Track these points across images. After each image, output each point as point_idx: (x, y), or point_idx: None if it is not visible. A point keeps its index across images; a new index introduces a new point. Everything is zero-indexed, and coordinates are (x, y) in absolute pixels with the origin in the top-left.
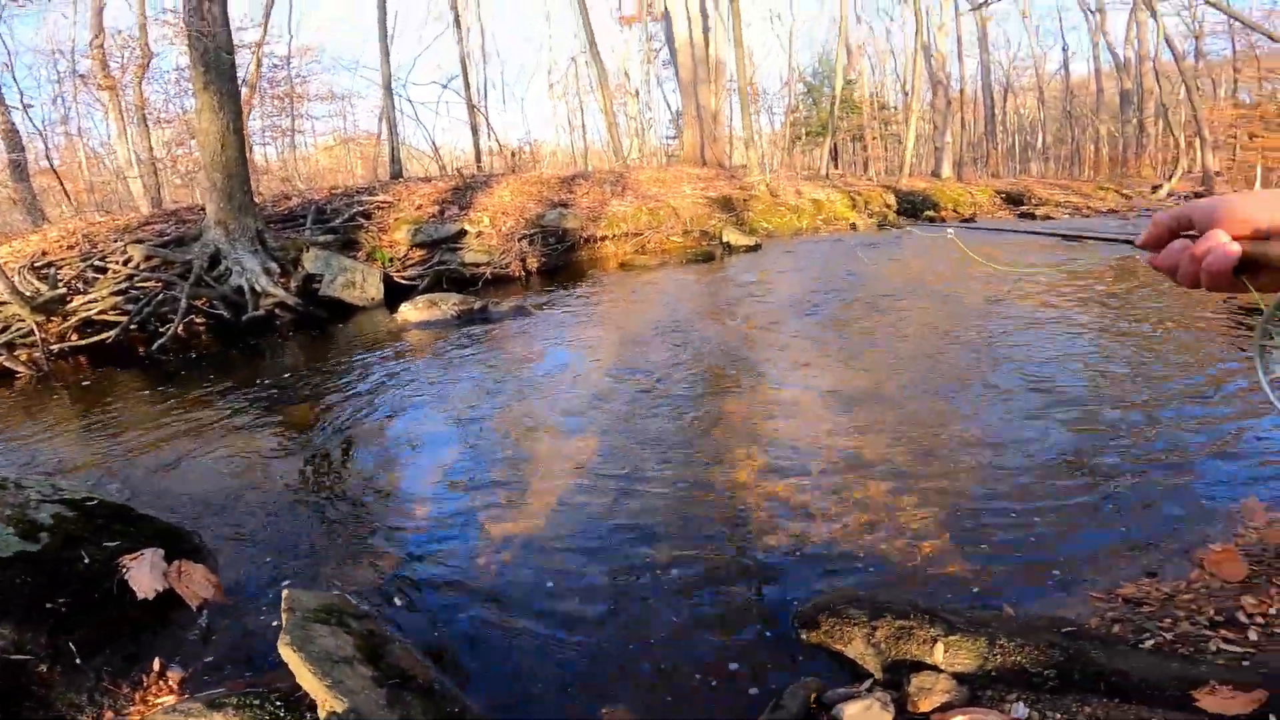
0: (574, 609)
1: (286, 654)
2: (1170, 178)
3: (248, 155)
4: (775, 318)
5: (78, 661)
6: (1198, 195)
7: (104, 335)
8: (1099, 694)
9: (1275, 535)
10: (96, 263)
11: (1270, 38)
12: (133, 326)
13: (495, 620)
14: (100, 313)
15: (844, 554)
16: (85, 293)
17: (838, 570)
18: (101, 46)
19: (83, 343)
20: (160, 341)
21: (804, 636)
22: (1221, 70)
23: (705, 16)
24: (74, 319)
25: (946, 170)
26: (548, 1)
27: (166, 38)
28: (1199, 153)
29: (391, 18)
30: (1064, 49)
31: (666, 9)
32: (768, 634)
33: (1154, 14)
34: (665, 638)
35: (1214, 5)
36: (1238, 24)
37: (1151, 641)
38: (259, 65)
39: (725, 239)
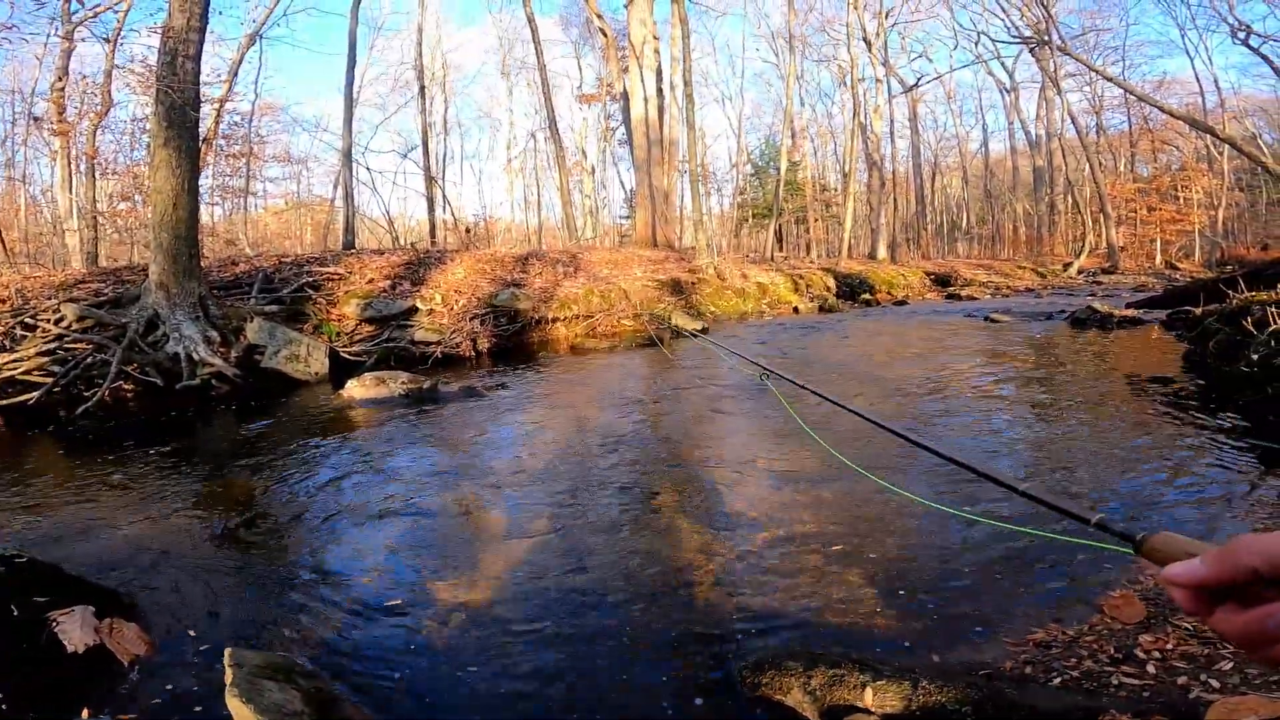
0: (524, 671)
1: (234, 706)
2: (1079, 255)
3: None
4: (719, 402)
5: (3, 708)
6: (1105, 271)
7: (26, 396)
8: None
9: None
10: (27, 319)
11: (1161, 109)
12: (56, 389)
13: (445, 683)
14: (24, 372)
15: (783, 614)
16: (11, 350)
17: (777, 628)
18: (63, 90)
19: (1, 402)
20: (85, 407)
21: (749, 690)
22: (1121, 143)
23: (661, 96)
24: None
25: (882, 251)
26: (510, 77)
27: (129, 86)
28: (1104, 228)
29: (358, 81)
30: (983, 128)
31: (625, 89)
32: (714, 688)
33: (1059, 90)
34: (615, 695)
35: (1109, 79)
36: (1133, 98)
37: (1059, 679)
38: (218, 121)
39: (674, 323)
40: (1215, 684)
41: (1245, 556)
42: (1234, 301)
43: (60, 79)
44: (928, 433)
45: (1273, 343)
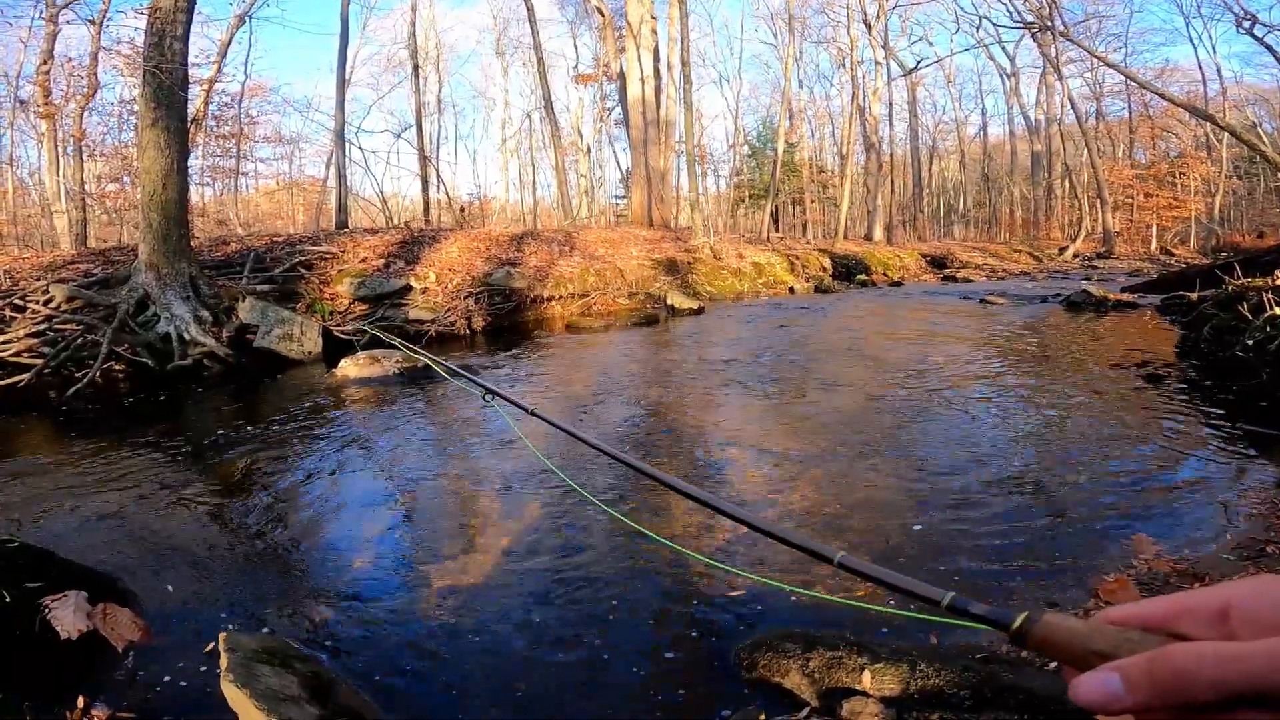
0: (521, 653)
1: (230, 691)
2: (1075, 239)
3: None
4: (716, 381)
5: None
6: (1100, 255)
7: (16, 378)
8: (1009, 710)
9: (1162, 565)
10: (16, 301)
11: (1161, 96)
12: (47, 371)
13: (441, 666)
14: (15, 354)
15: (781, 597)
16: (1, 332)
17: (775, 611)
18: (48, 73)
19: None
20: (76, 388)
21: (746, 671)
22: (1120, 130)
23: (658, 76)
24: None
25: (878, 233)
26: (505, 57)
27: (116, 68)
28: (1100, 213)
29: (350, 61)
30: (982, 112)
31: (622, 69)
32: (713, 671)
33: (1060, 75)
34: (614, 678)
35: (1111, 66)
36: (1134, 85)
37: (1054, 663)
38: (207, 103)
39: (670, 302)
40: None
41: (1199, 689)
42: (1230, 287)
43: (45, 62)
44: (918, 411)
45: (1268, 328)
